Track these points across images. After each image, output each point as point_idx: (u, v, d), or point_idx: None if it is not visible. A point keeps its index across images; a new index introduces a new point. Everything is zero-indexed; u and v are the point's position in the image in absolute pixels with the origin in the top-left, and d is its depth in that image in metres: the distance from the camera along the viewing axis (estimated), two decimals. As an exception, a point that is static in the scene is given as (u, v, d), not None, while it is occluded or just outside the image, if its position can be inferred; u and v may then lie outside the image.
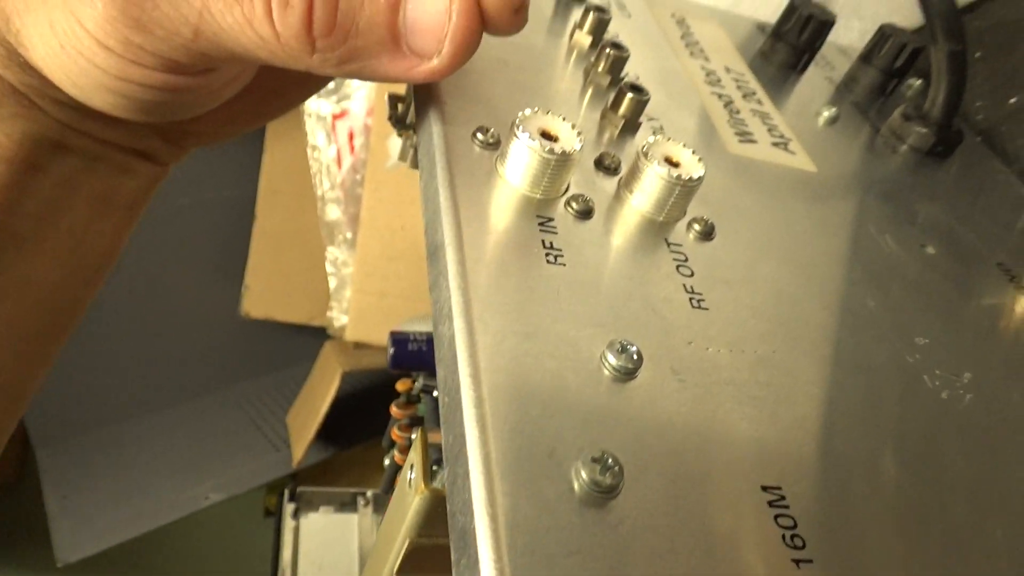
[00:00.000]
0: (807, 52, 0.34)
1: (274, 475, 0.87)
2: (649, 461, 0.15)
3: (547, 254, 0.19)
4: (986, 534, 0.17)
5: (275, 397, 0.98)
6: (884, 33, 0.34)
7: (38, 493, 0.80)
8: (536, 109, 0.20)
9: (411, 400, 0.46)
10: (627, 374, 0.16)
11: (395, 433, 0.45)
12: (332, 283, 0.90)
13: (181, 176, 0.88)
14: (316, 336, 0.93)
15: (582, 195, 0.20)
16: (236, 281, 0.92)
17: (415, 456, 0.23)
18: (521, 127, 0.19)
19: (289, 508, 0.63)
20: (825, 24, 0.33)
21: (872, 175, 0.29)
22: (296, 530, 0.63)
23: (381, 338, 0.79)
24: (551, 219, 0.20)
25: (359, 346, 0.85)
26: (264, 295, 0.93)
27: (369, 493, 0.64)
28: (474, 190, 0.20)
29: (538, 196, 0.20)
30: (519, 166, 0.20)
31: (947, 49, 0.30)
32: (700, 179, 0.21)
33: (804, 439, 0.17)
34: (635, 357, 0.16)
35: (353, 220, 0.85)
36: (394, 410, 0.45)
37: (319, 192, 0.88)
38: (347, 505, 0.65)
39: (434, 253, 0.18)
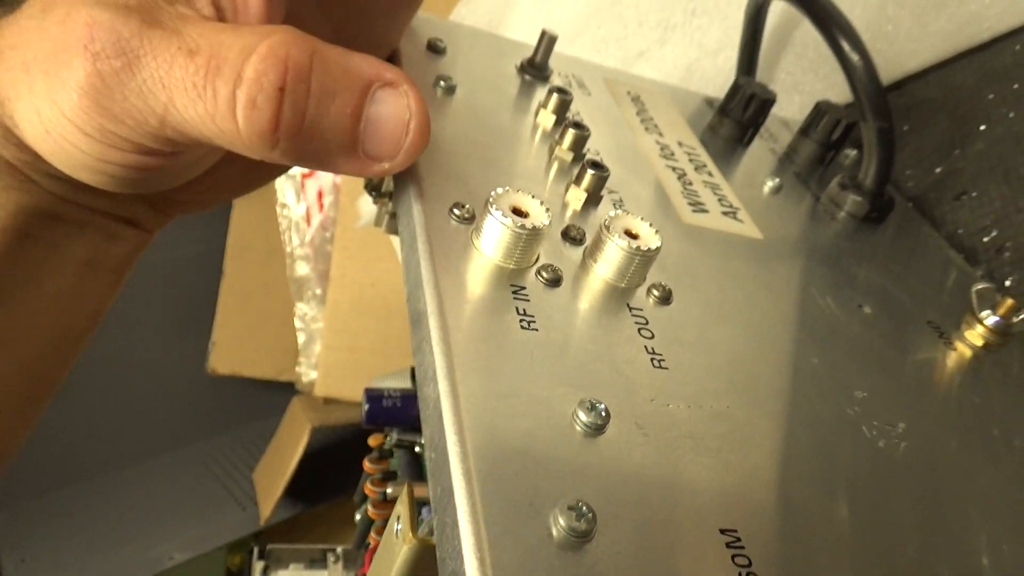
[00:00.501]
0: (751, 127, 0.37)
1: (239, 533, 0.86)
2: (619, 508, 0.16)
3: (520, 320, 0.20)
4: (926, 568, 0.19)
5: (241, 454, 0.97)
6: (820, 109, 0.38)
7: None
8: (507, 188, 0.22)
9: (383, 455, 0.47)
10: (596, 430, 0.18)
11: (368, 487, 0.46)
12: (301, 338, 0.90)
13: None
14: (283, 392, 0.93)
15: (551, 265, 0.22)
16: (203, 337, 0.92)
17: (401, 508, 0.24)
18: (494, 205, 0.21)
19: (258, 566, 0.63)
20: (767, 102, 0.36)
21: (813, 241, 0.32)
22: (265, 589, 0.62)
23: (350, 393, 0.80)
24: (523, 287, 0.22)
25: (328, 401, 0.85)
26: (231, 351, 0.94)
27: (339, 549, 0.64)
28: (452, 262, 0.21)
29: (511, 266, 0.22)
30: (493, 240, 0.22)
31: (876, 126, 0.33)
32: (657, 249, 0.23)
33: (757, 486, 0.19)
34: (603, 414, 0.18)
35: (322, 276, 0.86)
36: (367, 465, 0.46)
37: (288, 249, 0.89)
38: (317, 562, 0.65)
39: (417, 320, 0.20)
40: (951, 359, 0.28)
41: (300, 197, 0.89)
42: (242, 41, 0.19)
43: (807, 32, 0.44)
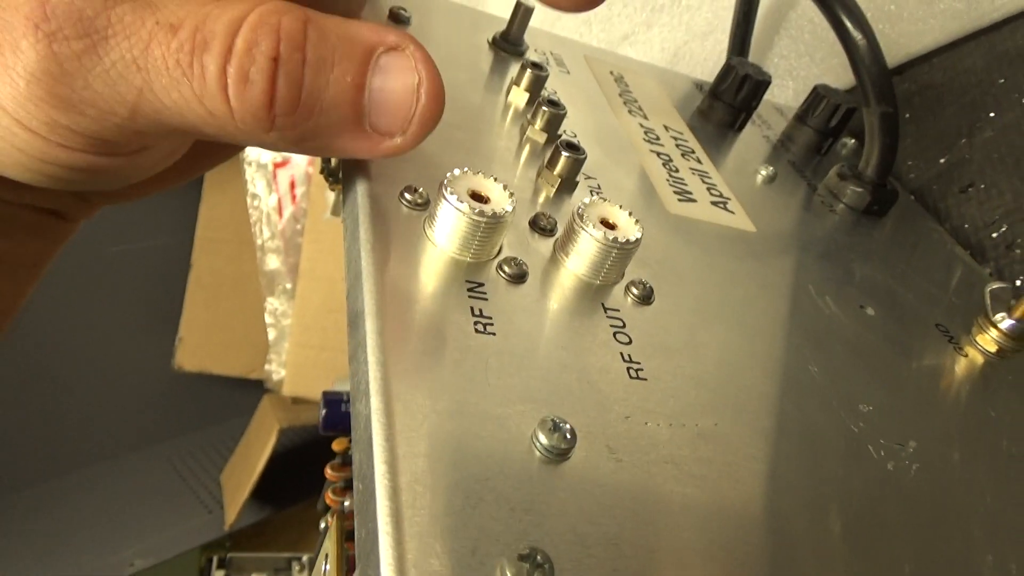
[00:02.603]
0: (744, 111, 0.34)
1: (206, 538, 0.82)
2: (583, 555, 0.13)
3: (476, 322, 0.17)
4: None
5: (209, 454, 0.93)
6: (818, 94, 0.35)
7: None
8: (466, 169, 0.19)
9: (347, 461, 0.44)
10: (559, 455, 0.15)
11: (329, 496, 0.42)
12: (271, 335, 0.87)
13: (111, 223, 0.85)
14: (253, 390, 0.89)
15: (515, 258, 0.19)
16: (169, 332, 0.89)
17: (329, 546, 0.21)
18: (449, 188, 0.18)
19: (219, 575, 0.60)
20: (761, 84, 0.33)
21: (810, 234, 0.29)
22: (226, 600, 0.59)
23: (320, 393, 0.77)
24: (481, 284, 0.19)
25: (297, 401, 0.82)
26: (199, 347, 0.90)
27: (304, 558, 0.61)
28: (399, 253, 0.18)
29: (468, 259, 0.19)
30: (447, 228, 0.19)
31: (879, 111, 0.30)
32: (637, 242, 0.20)
33: (751, 523, 0.16)
34: (568, 436, 0.15)
35: (293, 270, 0.83)
36: (328, 472, 0.43)
37: (259, 241, 0.86)
38: (281, 571, 0.62)
39: (354, 321, 0.17)
40: (962, 366, 0.25)
41: (272, 187, 0.85)
42: (229, 12, 0.16)
43: (803, 13, 0.41)
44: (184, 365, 0.90)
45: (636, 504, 0.15)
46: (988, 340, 0.26)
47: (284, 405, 0.82)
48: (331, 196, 0.74)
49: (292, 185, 0.83)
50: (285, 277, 0.84)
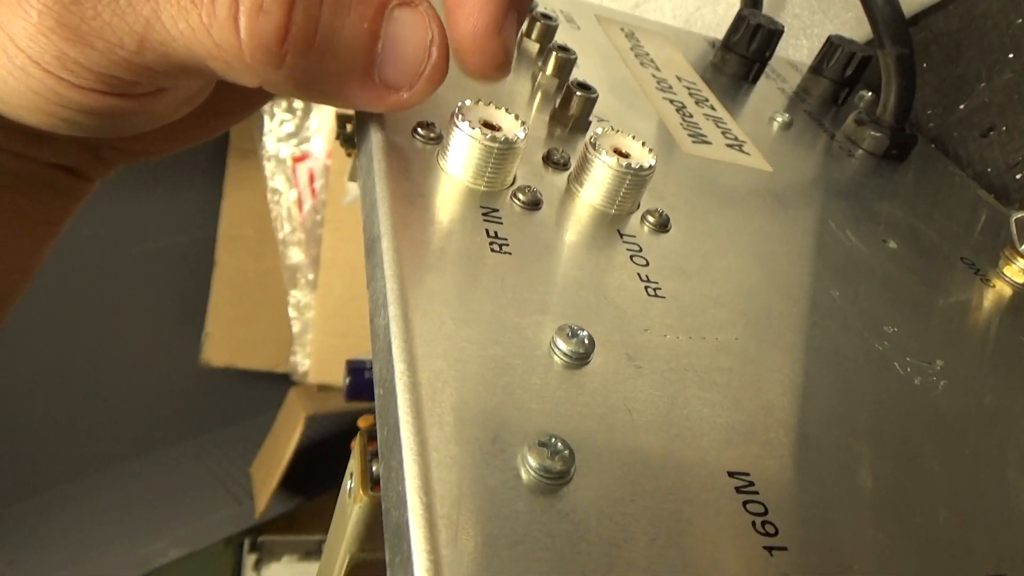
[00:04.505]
0: (757, 62, 0.34)
1: (237, 528, 0.83)
2: (603, 446, 0.14)
3: (491, 243, 0.18)
4: (965, 524, 0.16)
5: (238, 448, 0.94)
6: (832, 43, 0.35)
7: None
8: (479, 100, 0.19)
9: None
10: (578, 359, 0.15)
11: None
12: (295, 328, 0.87)
13: (136, 222, 0.86)
14: (281, 384, 0.90)
15: (529, 186, 0.19)
16: (196, 330, 0.90)
17: (354, 464, 0.21)
18: (461, 116, 0.18)
19: (250, 560, 0.60)
20: (774, 33, 0.33)
21: (829, 176, 0.28)
22: (258, 584, 0.60)
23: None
24: (496, 209, 0.19)
25: (323, 388, 0.83)
26: (225, 343, 0.91)
27: (334, 542, 0.61)
28: (414, 184, 0.19)
29: (482, 187, 0.19)
30: (460, 156, 0.19)
31: (895, 53, 0.30)
32: (651, 168, 0.20)
33: (771, 425, 0.16)
34: (586, 342, 0.15)
35: (315, 262, 0.83)
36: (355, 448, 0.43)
37: (280, 236, 0.87)
38: (312, 553, 0.62)
39: (371, 247, 0.17)
40: (989, 297, 0.24)
41: (291, 182, 0.86)
42: None
43: (815, -32, 0.41)
44: (212, 361, 0.91)
45: (656, 406, 0.15)
46: (1016, 271, 0.25)
47: (310, 394, 0.83)
48: (351, 186, 0.75)
49: (311, 178, 0.84)
50: (307, 269, 0.85)
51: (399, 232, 0.17)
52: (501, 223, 0.18)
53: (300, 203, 0.86)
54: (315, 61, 0.17)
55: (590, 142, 0.20)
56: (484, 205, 0.19)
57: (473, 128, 0.18)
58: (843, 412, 0.17)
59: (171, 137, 0.25)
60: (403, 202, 0.18)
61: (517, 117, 0.19)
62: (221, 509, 0.83)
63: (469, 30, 0.18)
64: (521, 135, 0.19)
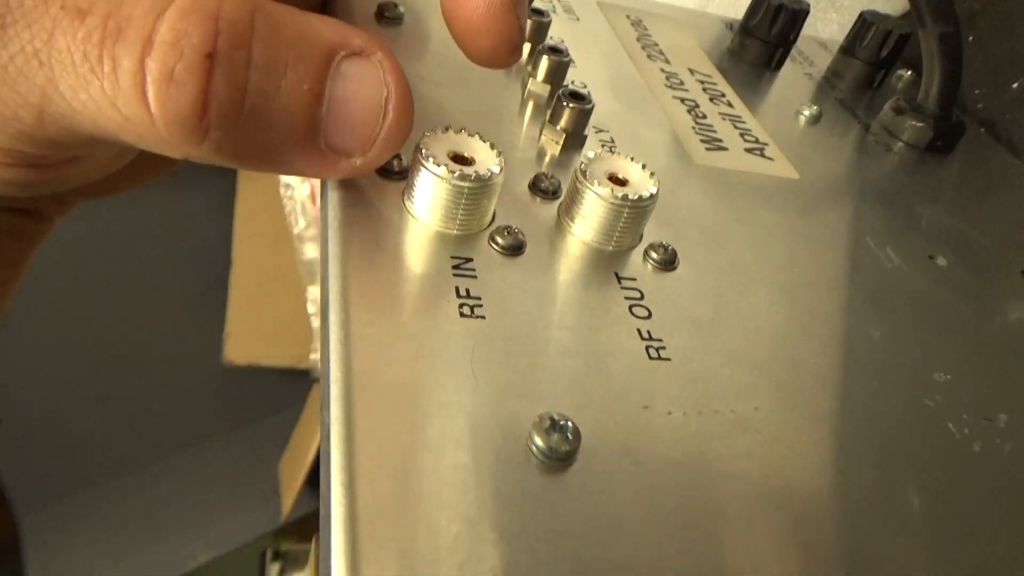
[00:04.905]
0: (780, 47, 0.30)
1: (265, 528, 0.82)
2: (587, 586, 0.11)
3: (461, 305, 0.15)
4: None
5: (266, 445, 0.94)
6: (865, 20, 0.31)
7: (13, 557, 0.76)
8: (446, 128, 0.16)
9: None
10: (560, 459, 0.13)
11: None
12: (314, 323, 0.86)
13: (150, 227, 0.85)
14: (305, 380, 0.89)
15: (508, 227, 0.17)
16: (217, 328, 0.89)
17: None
18: (425, 151, 0.16)
19: (274, 568, 0.59)
20: (798, 13, 0.30)
21: (864, 178, 0.25)
22: (282, 593, 0.59)
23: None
24: (469, 259, 0.16)
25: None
26: (246, 341, 0.90)
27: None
28: (373, 232, 0.16)
29: (455, 232, 0.16)
30: (427, 198, 0.16)
31: (938, 32, 0.26)
32: (653, 198, 0.17)
33: (806, 524, 0.13)
34: (570, 436, 0.13)
35: (330, 258, 0.81)
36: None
37: (295, 231, 0.85)
38: (334, 564, 0.61)
39: (323, 315, 0.15)
40: (1056, 320, 0.21)
41: (304, 177, 0.84)
42: None
43: (844, -67, 0.37)
44: (233, 359, 0.90)
45: (661, 513, 0.12)
46: (1085, 286, 0.22)
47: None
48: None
49: (323, 172, 0.82)
50: (322, 266, 0.83)
51: (353, 301, 0.14)
52: (475, 276, 0.16)
53: (313, 197, 0.84)
54: (246, 132, 0.14)
55: (580, 170, 0.17)
56: (456, 255, 0.16)
57: (439, 165, 0.16)
58: (889, 500, 0.14)
59: (130, 175, 0.23)
60: (361, 259, 0.15)
61: (493, 146, 0.17)
62: (251, 509, 0.83)
63: (482, 5, 0.15)
64: (496, 169, 0.16)
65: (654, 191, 0.17)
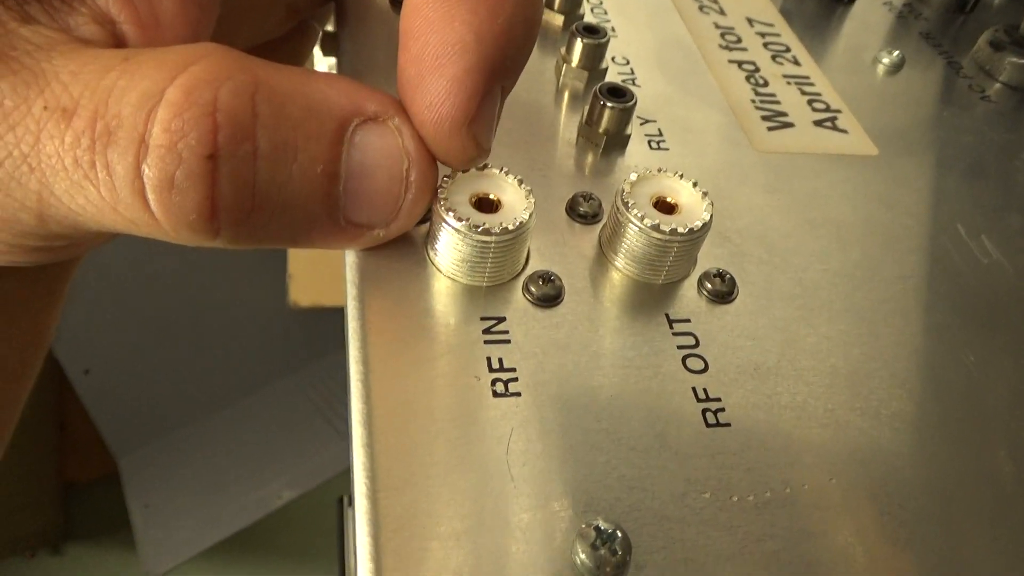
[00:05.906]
0: (855, -24, 0.26)
1: (344, 464, 0.86)
2: None
3: (494, 380, 0.14)
4: None
5: (338, 381, 0.97)
6: (957, -67, 0.27)
7: (114, 493, 0.82)
8: (464, 170, 0.15)
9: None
10: (613, 571, 0.11)
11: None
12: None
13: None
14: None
15: (545, 274, 0.15)
16: (280, 272, 0.90)
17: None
18: (444, 204, 0.14)
19: (351, 513, 0.62)
20: (876, -64, 0.26)
21: (955, 142, 0.22)
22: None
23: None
24: (501, 319, 0.14)
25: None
26: (309, 283, 0.91)
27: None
28: (396, 290, 0.15)
29: (484, 284, 0.15)
30: (449, 253, 0.14)
31: (1047, -51, 0.22)
32: (705, 227, 0.15)
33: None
34: (619, 550, 0.11)
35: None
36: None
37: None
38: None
39: (351, 394, 0.14)
40: None
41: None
42: (140, 83, 0.12)
43: None
44: (299, 301, 0.92)
45: (718, 635, 0.11)
46: None
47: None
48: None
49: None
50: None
51: (375, 385, 0.13)
52: (508, 341, 0.14)
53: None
54: (260, 225, 0.13)
55: (621, 199, 0.15)
56: (486, 315, 0.15)
57: (460, 220, 0.14)
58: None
59: None
60: (382, 324, 0.14)
61: (521, 183, 0.15)
62: (328, 445, 0.86)
63: (431, 121, 0.13)
64: (525, 216, 0.14)
65: (707, 218, 0.15)
